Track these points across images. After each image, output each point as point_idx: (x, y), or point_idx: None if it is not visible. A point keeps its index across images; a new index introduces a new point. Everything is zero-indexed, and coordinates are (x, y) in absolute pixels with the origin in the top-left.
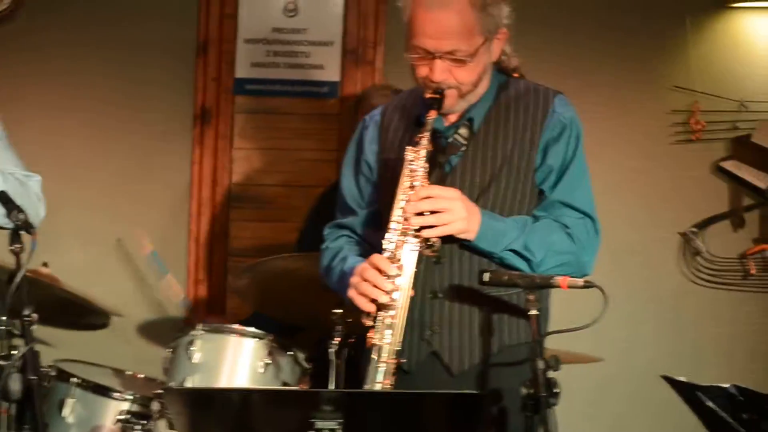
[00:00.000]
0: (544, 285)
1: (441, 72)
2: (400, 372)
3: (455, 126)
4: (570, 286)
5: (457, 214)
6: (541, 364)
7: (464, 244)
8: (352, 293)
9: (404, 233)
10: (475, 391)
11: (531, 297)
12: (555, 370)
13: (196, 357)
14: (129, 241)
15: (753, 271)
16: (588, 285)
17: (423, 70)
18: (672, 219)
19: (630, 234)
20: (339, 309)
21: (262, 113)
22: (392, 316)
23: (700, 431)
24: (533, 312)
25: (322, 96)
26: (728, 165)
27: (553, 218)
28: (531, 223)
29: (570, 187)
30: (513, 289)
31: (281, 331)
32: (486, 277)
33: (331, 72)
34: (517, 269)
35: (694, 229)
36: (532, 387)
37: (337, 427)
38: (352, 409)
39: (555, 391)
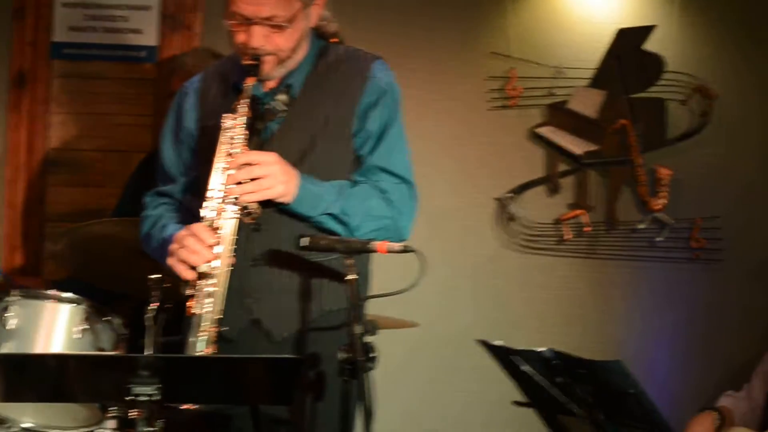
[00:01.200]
0: (362, 249)
1: (259, 38)
2: (221, 340)
3: (274, 92)
4: (388, 251)
5: (275, 178)
6: (358, 329)
7: (282, 209)
8: (171, 261)
9: (223, 201)
10: (290, 356)
11: (349, 262)
12: (372, 335)
13: (11, 323)
14: None
15: (568, 237)
16: (406, 250)
17: (241, 36)
18: (488, 184)
19: (447, 199)
20: (156, 275)
21: (79, 78)
22: (212, 285)
23: (515, 395)
24: (351, 276)
25: (140, 61)
26: (544, 131)
27: (371, 183)
28: (349, 188)
29: (388, 153)
30: (332, 254)
31: (100, 297)
32: (304, 241)
33: (148, 37)
34: (335, 234)
35: (510, 195)
36: (349, 351)
37: (154, 392)
38: (169, 375)
39: (372, 355)
